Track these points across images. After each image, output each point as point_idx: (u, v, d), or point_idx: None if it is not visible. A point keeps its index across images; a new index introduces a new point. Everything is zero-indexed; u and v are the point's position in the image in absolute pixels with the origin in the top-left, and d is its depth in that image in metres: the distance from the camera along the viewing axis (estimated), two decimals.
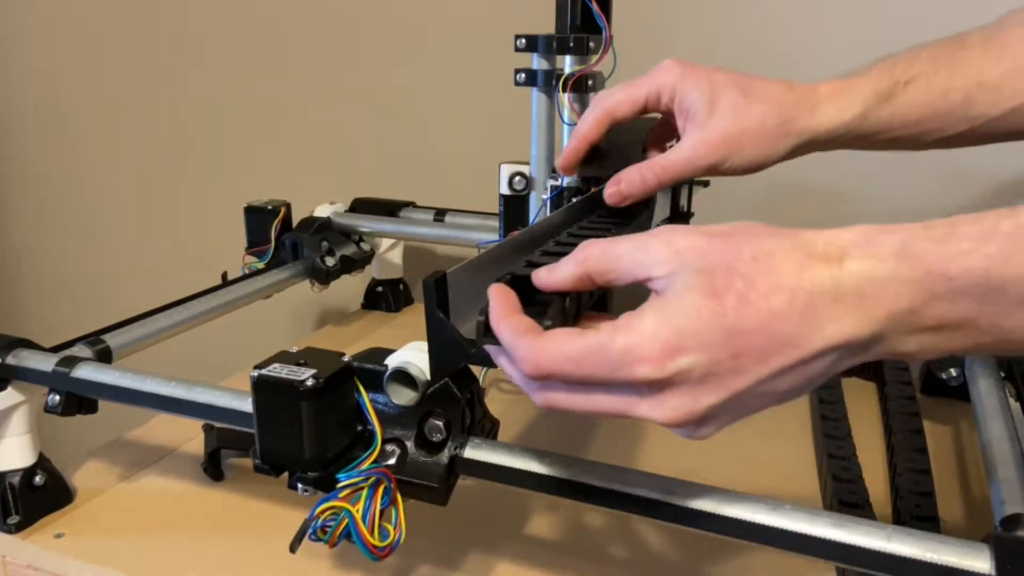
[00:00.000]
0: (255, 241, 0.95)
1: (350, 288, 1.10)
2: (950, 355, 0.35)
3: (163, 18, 1.31)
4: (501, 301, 0.38)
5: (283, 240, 0.94)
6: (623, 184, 0.56)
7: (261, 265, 0.93)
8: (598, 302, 0.46)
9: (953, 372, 0.73)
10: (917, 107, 0.54)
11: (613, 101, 0.57)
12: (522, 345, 0.36)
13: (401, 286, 1.10)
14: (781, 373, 0.34)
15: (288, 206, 0.96)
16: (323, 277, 0.94)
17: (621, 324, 0.35)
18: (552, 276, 0.39)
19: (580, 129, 0.58)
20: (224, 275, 0.87)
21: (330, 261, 0.95)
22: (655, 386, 0.34)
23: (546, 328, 0.37)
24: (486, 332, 0.38)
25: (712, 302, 0.33)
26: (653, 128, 0.61)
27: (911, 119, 0.54)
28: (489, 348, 0.39)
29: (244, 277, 0.88)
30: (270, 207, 0.95)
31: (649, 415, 0.35)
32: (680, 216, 0.73)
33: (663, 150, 0.60)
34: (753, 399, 0.35)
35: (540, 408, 0.38)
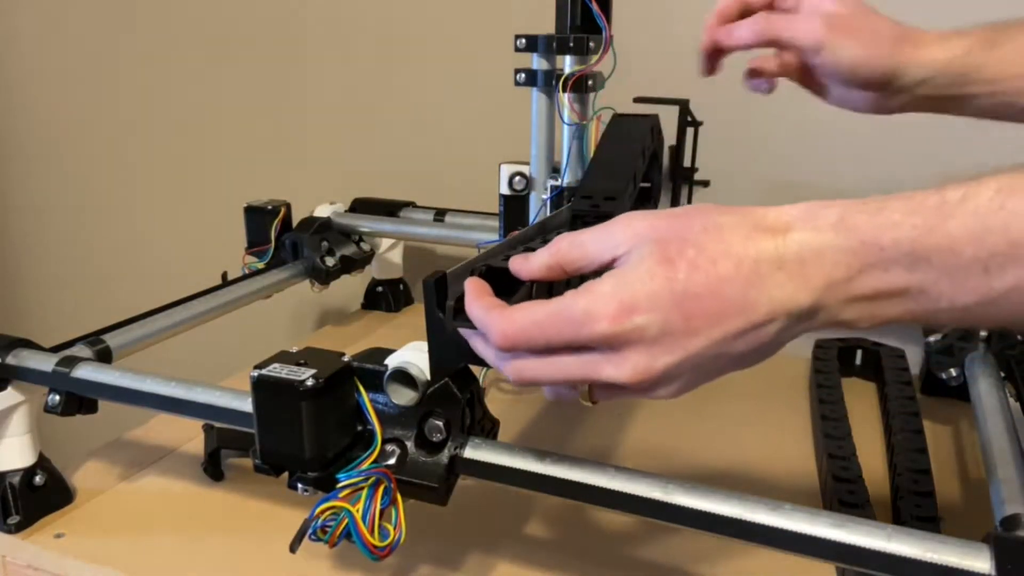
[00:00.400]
0: (255, 241, 0.95)
1: (350, 288, 1.10)
2: (888, 324, 0.37)
3: (163, 18, 1.31)
4: (474, 287, 0.41)
5: (283, 240, 0.94)
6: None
7: (261, 265, 0.93)
8: None
9: (953, 372, 0.73)
10: (1019, 60, 0.54)
11: None
12: (491, 318, 0.39)
13: (401, 286, 1.10)
14: (734, 337, 0.36)
15: (288, 206, 0.96)
16: (323, 277, 0.94)
17: (582, 289, 0.37)
18: (527, 264, 0.42)
19: None
20: (224, 275, 0.87)
21: (330, 261, 0.95)
22: (614, 345, 0.37)
23: None
24: (456, 315, 0.40)
25: (664, 267, 0.36)
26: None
27: (1011, 71, 0.54)
28: (464, 332, 0.41)
29: (244, 277, 0.88)
30: (270, 207, 0.95)
31: (612, 375, 0.37)
32: None
33: None
34: (710, 361, 0.37)
35: (515, 384, 0.40)
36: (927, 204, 0.34)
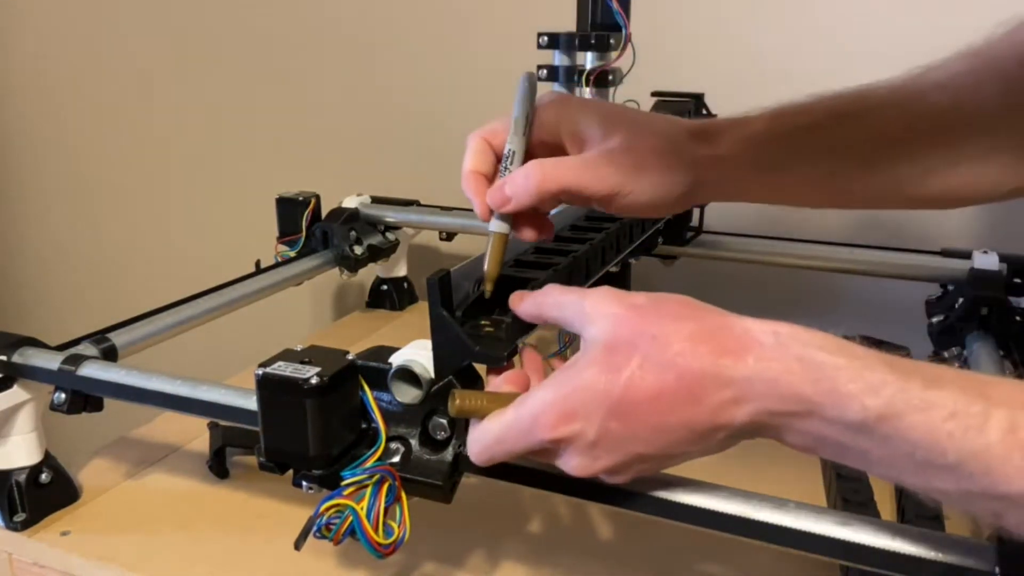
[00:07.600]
0: (286, 231, 0.97)
1: (354, 287, 1.10)
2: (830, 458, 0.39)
3: (191, 16, 1.31)
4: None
5: (313, 230, 0.96)
6: (507, 187, 0.48)
7: (292, 254, 0.95)
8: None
9: (956, 366, 0.73)
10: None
11: (488, 129, 0.51)
12: (469, 437, 0.43)
13: (405, 284, 1.10)
14: (677, 443, 0.38)
15: (318, 197, 0.98)
16: (352, 265, 0.96)
17: (528, 396, 0.41)
18: (519, 306, 0.46)
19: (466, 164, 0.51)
20: (257, 263, 0.90)
21: (358, 250, 0.97)
22: (557, 448, 0.40)
23: (498, 335, 0.45)
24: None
25: (607, 375, 0.38)
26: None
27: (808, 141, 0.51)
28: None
29: (276, 265, 0.90)
30: (301, 198, 0.96)
31: (562, 468, 0.41)
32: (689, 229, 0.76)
33: None
34: (659, 458, 0.40)
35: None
36: (891, 386, 0.34)
